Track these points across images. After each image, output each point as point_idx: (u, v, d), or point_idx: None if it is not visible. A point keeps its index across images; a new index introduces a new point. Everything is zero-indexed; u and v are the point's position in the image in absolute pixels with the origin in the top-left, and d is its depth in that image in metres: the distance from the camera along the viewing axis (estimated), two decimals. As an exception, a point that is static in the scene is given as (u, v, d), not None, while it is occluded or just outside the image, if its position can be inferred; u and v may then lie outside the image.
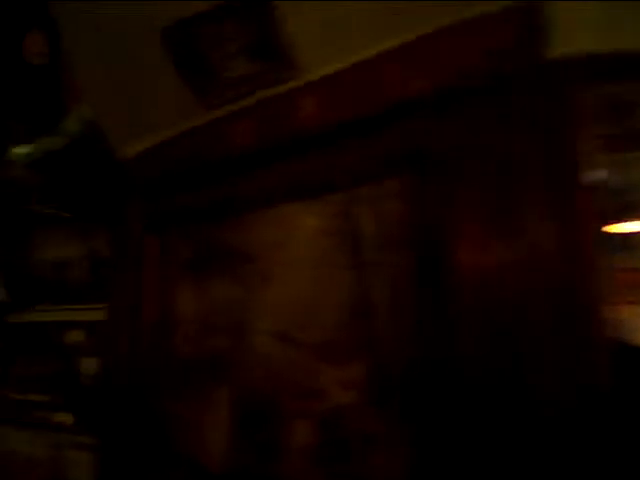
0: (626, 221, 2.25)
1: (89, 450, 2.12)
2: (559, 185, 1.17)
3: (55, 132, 2.65)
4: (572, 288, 1.14)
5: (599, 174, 1.23)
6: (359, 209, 1.46)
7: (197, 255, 1.90)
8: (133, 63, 1.97)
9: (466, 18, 1.26)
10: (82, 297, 2.46)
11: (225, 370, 1.72)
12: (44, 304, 2.55)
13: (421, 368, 1.31)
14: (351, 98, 1.45)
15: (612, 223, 2.22)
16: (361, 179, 1.44)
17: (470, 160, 1.28)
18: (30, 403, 2.39)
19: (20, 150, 2.74)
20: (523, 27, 1.20)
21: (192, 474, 1.74)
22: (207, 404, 1.76)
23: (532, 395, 1.15)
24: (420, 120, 1.33)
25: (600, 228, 1.23)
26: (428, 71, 1.28)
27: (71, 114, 2.60)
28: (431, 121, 1.31)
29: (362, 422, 1.39)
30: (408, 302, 1.34)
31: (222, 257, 1.80)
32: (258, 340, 1.65)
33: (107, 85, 2.11)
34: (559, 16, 1.15)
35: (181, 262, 1.95)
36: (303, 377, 1.51)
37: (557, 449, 1.12)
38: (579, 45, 1.16)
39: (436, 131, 1.31)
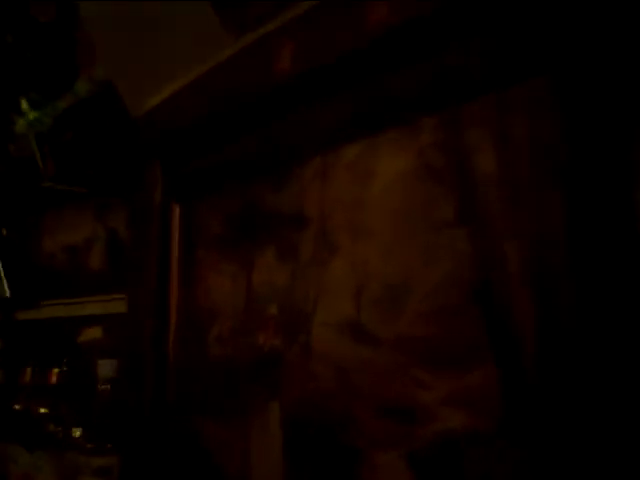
0: None
1: (106, 475, 1.69)
2: None
3: (66, 97, 2.25)
4: None
5: None
6: (470, 135, 0.97)
7: (232, 226, 1.45)
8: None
9: None
10: (99, 287, 2.04)
11: (274, 378, 1.26)
12: (55, 297, 2.14)
13: (584, 378, 0.81)
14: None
15: None
16: (474, 86, 0.95)
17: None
18: (40, 416, 1.98)
19: (27, 119, 2.35)
20: None
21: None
22: (251, 422, 1.30)
23: None
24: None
25: None
26: None
27: (84, 75, 2.20)
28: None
29: (483, 457, 0.91)
30: (560, 275, 0.85)
31: (266, 226, 1.34)
32: (319, 336, 1.18)
33: (119, 35, 1.70)
34: None
35: (212, 237, 1.50)
36: (388, 390, 1.04)
37: None
38: None
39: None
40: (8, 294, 2.17)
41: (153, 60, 1.66)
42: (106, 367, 1.91)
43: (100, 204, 2.14)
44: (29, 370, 2.06)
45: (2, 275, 2.18)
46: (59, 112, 2.13)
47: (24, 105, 2.37)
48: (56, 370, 2.00)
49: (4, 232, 2.33)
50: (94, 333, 2.04)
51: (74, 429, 1.86)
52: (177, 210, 1.63)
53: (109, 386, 1.88)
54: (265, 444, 1.25)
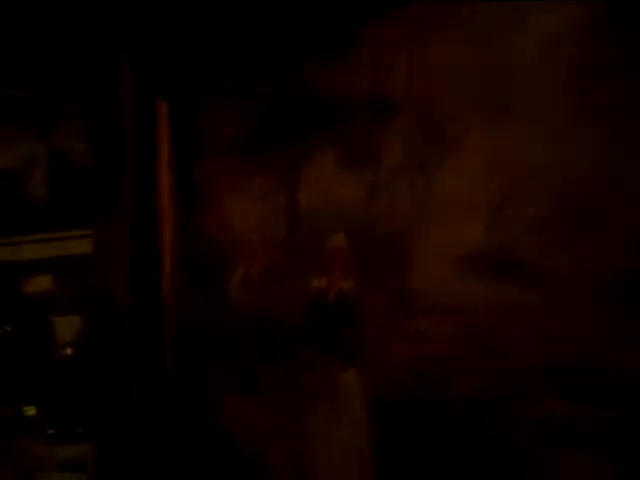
0: None
1: (77, 470, 1.29)
2: None
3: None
4: None
5: None
6: None
7: (260, 125, 1.01)
8: None
9: None
10: (45, 222, 1.57)
11: (345, 339, 0.87)
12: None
13: None
14: None
15: None
16: None
17: None
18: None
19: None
20: None
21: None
22: (308, 400, 0.91)
23: None
24: None
25: None
26: None
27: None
28: None
29: None
30: None
31: (318, 119, 0.91)
32: (426, 275, 0.79)
33: None
34: None
35: (227, 142, 1.06)
36: (572, 355, 0.67)
37: None
38: None
39: None
40: None
41: None
42: (65, 326, 1.47)
43: (43, 115, 1.63)
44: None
45: None
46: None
47: None
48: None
49: None
50: (43, 282, 1.58)
51: (26, 407, 1.42)
52: (165, 109, 1.18)
53: (71, 350, 1.44)
54: (339, 432, 0.86)
